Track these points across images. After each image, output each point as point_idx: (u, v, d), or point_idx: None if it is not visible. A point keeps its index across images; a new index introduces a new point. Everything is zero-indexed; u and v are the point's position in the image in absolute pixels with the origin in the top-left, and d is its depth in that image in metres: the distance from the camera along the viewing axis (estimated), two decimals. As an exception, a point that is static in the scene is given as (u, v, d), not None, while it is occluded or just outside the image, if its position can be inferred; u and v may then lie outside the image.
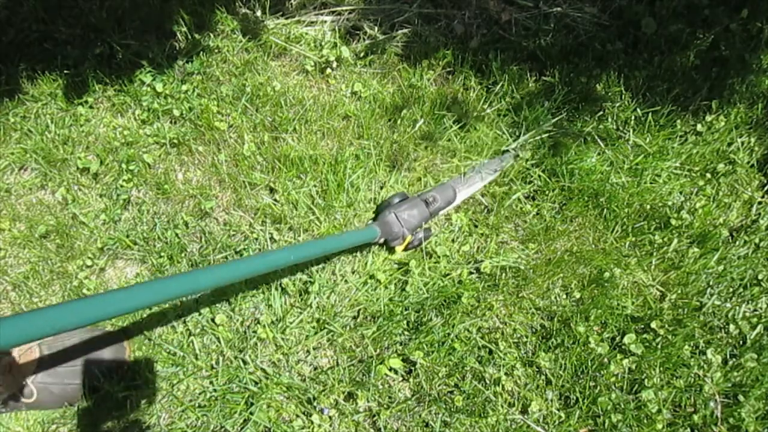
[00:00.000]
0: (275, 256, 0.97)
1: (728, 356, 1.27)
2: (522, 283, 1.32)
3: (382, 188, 1.42)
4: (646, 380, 1.22)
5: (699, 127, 1.54)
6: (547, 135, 1.49)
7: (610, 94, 1.56)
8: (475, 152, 1.47)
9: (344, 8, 1.62)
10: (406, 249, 1.32)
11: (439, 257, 1.34)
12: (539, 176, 1.45)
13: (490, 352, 1.25)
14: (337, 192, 1.37)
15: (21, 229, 1.35)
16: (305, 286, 1.29)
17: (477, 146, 1.48)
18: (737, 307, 1.31)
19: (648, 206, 1.42)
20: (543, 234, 1.38)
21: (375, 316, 1.27)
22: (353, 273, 1.32)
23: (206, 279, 0.83)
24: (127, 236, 1.33)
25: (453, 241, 1.38)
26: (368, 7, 1.62)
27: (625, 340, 1.26)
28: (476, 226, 1.40)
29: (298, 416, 1.18)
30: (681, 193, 1.47)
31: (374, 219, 1.36)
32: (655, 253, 1.37)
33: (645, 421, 1.18)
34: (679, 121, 1.53)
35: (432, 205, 1.32)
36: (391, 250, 1.32)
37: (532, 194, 1.45)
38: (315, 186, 1.38)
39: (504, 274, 1.32)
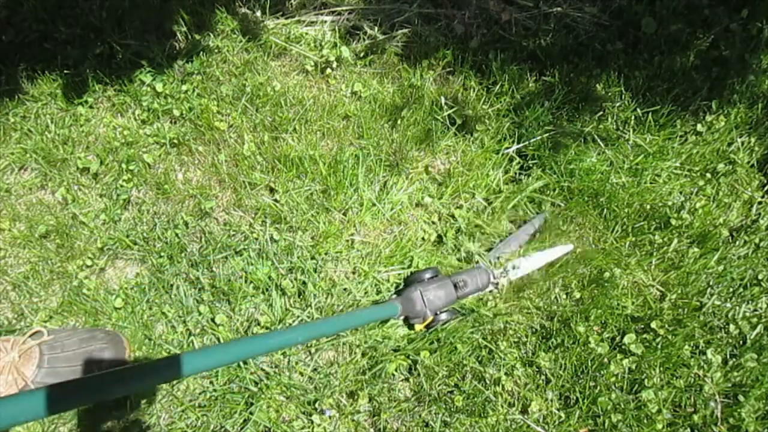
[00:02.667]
0: (284, 337, 0.90)
1: (728, 356, 1.27)
2: (522, 283, 1.32)
3: (382, 188, 1.42)
4: (646, 380, 1.22)
5: (699, 127, 1.54)
6: (547, 135, 1.49)
7: (610, 94, 1.56)
8: (474, 159, 1.47)
9: (344, 8, 1.62)
10: (426, 328, 1.25)
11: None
12: (539, 176, 1.45)
13: (490, 352, 1.25)
14: (337, 192, 1.37)
15: (21, 229, 1.35)
16: (303, 286, 1.29)
17: (476, 144, 1.48)
18: (737, 307, 1.31)
19: (648, 206, 1.42)
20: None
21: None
22: (353, 273, 1.32)
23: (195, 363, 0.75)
24: (127, 236, 1.33)
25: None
26: (368, 7, 1.62)
27: (625, 340, 1.26)
28: (477, 226, 1.40)
29: (298, 416, 1.18)
30: (681, 193, 1.47)
31: (398, 293, 1.29)
32: (655, 253, 1.37)
33: (645, 421, 1.18)
34: (679, 121, 1.53)
35: (461, 289, 1.24)
36: (410, 325, 1.27)
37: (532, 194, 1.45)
38: (315, 186, 1.38)
39: (504, 274, 1.32)
